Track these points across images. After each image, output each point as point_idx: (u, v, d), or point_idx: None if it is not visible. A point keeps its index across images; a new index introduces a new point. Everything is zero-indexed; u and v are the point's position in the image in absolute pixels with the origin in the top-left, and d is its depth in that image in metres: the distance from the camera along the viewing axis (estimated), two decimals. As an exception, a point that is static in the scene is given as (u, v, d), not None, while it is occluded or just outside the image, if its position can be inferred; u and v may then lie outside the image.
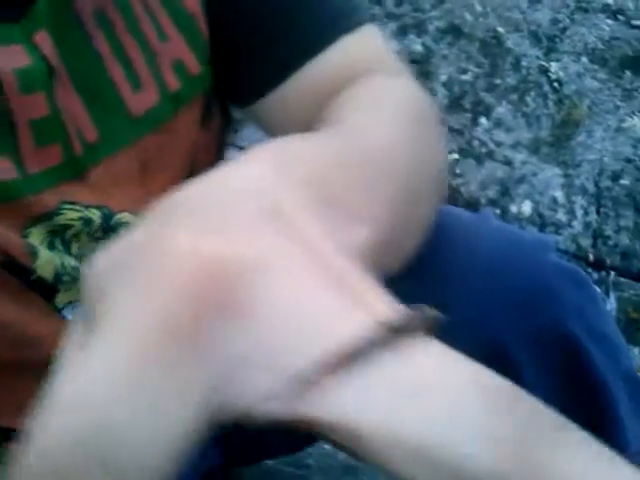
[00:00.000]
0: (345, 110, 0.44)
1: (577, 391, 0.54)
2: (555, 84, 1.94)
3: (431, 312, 0.21)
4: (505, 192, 1.86)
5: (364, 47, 0.54)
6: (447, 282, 0.52)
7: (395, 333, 0.20)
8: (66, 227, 0.50)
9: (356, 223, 0.27)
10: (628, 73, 2.02)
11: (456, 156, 1.86)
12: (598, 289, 1.61)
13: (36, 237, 0.50)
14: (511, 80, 1.92)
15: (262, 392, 0.21)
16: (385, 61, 0.54)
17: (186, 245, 0.21)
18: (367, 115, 0.42)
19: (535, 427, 0.17)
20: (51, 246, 0.51)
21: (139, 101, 0.52)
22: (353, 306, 0.21)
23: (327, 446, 1.11)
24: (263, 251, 0.22)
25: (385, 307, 0.22)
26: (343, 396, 0.20)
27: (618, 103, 1.99)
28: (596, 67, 1.99)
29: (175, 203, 0.24)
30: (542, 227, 1.85)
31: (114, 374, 0.20)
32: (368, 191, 0.29)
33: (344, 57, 0.53)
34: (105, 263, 0.23)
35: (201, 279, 0.21)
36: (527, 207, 1.85)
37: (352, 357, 0.19)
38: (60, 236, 0.51)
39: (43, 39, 0.46)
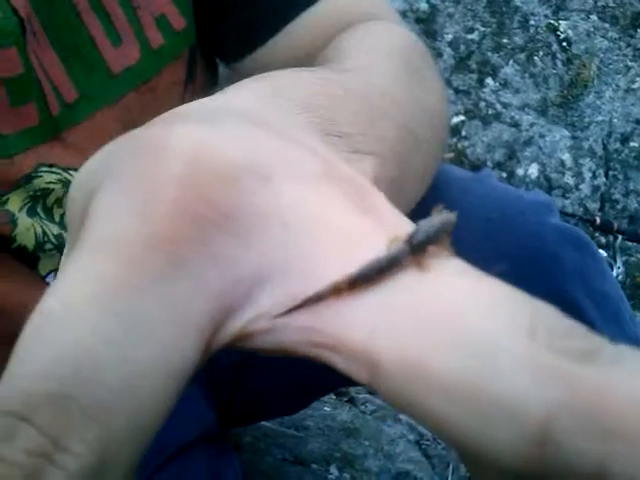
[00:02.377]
0: (343, 51, 0.42)
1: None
2: (564, 43, 1.90)
3: (448, 217, 0.19)
4: (512, 155, 1.83)
5: None
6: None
7: (416, 248, 0.18)
8: (46, 192, 0.48)
9: (359, 154, 0.25)
10: (640, 32, 1.97)
11: (462, 118, 1.83)
12: (605, 253, 1.59)
13: (15, 203, 0.48)
14: (519, 39, 1.88)
15: (268, 313, 0.18)
16: (381, 10, 0.52)
17: (185, 141, 0.18)
18: (365, 56, 0.39)
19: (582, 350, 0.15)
20: (32, 212, 0.49)
21: (120, 57, 0.50)
22: (371, 221, 0.19)
23: (327, 408, 1.11)
24: (270, 156, 0.19)
25: (402, 222, 0.19)
26: (360, 318, 0.17)
27: (629, 63, 1.94)
28: (606, 26, 1.94)
29: (174, 112, 0.22)
30: (549, 190, 1.82)
31: (89, 294, 0.16)
32: (370, 126, 0.27)
33: (338, 7, 0.51)
34: (96, 160, 0.20)
35: (198, 182, 0.17)
36: (534, 170, 1.82)
37: (370, 276, 0.17)
38: (41, 202, 0.49)
39: None
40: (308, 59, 0.48)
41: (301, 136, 0.21)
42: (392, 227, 0.19)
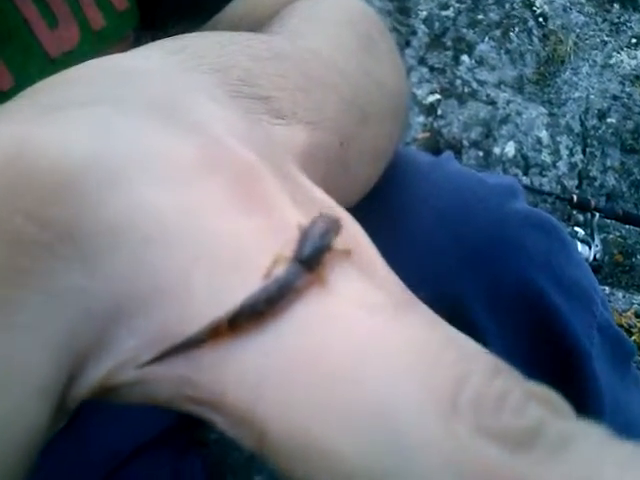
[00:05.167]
0: (286, 19, 0.39)
1: (545, 348, 0.50)
2: (540, 19, 1.87)
3: (331, 219, 0.16)
4: (488, 133, 1.80)
5: None
6: (400, 234, 0.47)
7: (307, 265, 0.14)
8: None
9: (287, 119, 0.22)
10: (616, 6, 1.95)
11: (438, 96, 1.80)
12: (583, 231, 1.57)
13: None
14: (494, 15, 1.85)
15: (133, 360, 0.14)
16: None
17: (3, 141, 0.14)
18: (307, 24, 0.37)
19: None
20: None
21: (58, 41, 0.46)
22: (256, 224, 0.15)
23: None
24: (124, 148, 0.15)
25: (300, 215, 0.15)
26: (244, 368, 0.13)
27: (605, 38, 1.92)
28: (582, 0, 1.91)
29: (44, 82, 0.18)
30: (526, 169, 1.80)
31: None
32: (304, 92, 0.24)
33: None
34: None
35: (19, 194, 0.13)
36: (511, 148, 1.79)
37: (256, 312, 0.14)
38: None
39: None
40: (257, 28, 0.45)
41: (193, 104, 0.18)
42: (283, 227, 0.15)
